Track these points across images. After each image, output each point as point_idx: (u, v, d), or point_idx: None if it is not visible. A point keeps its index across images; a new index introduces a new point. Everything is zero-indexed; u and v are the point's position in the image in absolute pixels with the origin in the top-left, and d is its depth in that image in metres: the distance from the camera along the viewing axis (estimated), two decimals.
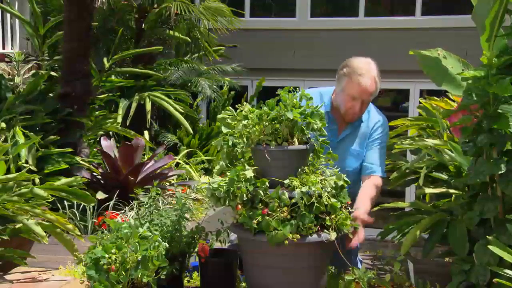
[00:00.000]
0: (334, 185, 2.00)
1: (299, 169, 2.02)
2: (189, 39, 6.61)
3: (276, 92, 2.12)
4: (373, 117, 2.76)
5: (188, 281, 2.34)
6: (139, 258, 1.88)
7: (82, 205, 3.77)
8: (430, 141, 2.61)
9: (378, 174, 2.66)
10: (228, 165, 2.13)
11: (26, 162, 3.88)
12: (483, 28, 1.88)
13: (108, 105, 5.85)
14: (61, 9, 6.05)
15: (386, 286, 2.26)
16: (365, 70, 2.61)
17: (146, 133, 5.56)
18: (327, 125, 2.14)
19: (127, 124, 5.44)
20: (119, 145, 4.63)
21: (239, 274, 2.28)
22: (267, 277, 2.01)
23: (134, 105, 5.68)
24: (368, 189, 2.59)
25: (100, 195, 3.88)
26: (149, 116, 5.66)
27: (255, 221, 1.91)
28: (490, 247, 1.76)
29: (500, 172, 1.88)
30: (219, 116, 2.16)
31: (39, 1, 6.43)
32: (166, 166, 4.55)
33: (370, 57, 2.71)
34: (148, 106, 5.69)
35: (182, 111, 5.84)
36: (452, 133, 2.62)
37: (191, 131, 5.91)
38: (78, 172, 4.22)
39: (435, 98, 3.15)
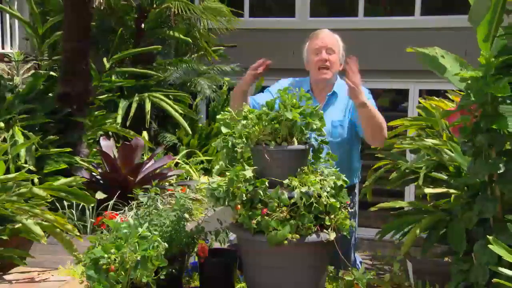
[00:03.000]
0: (333, 185, 2.00)
1: (299, 169, 2.02)
2: (190, 40, 6.61)
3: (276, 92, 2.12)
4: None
5: (188, 281, 2.34)
6: (139, 258, 1.88)
7: (81, 205, 3.77)
8: (430, 141, 2.61)
9: None
10: (228, 165, 2.13)
11: (25, 162, 3.88)
12: (480, 28, 1.88)
13: (107, 105, 5.84)
14: (60, 9, 6.05)
15: (386, 286, 2.26)
16: (321, 30, 2.89)
17: (145, 133, 5.56)
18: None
19: (127, 125, 5.43)
20: (118, 145, 4.63)
21: (238, 274, 2.28)
22: (266, 277, 2.01)
23: (134, 105, 5.67)
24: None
25: (99, 195, 3.87)
26: (148, 117, 5.65)
27: (254, 221, 1.91)
28: (490, 246, 1.76)
29: (499, 172, 1.88)
30: (218, 116, 2.16)
31: (38, 1, 6.42)
32: (165, 166, 4.55)
33: (368, 57, 2.80)
34: (148, 107, 5.68)
35: (182, 112, 5.84)
36: (451, 133, 2.62)
37: (190, 132, 5.91)
38: (78, 172, 4.22)
39: (435, 98, 3.16)
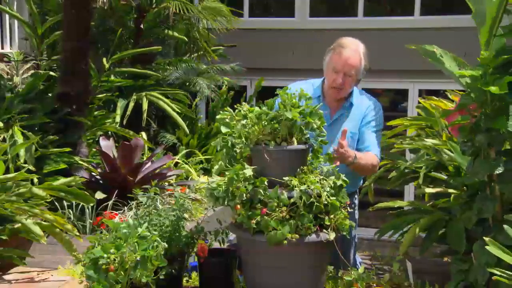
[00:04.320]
0: (333, 185, 2.00)
1: (298, 169, 2.02)
2: (185, 39, 6.61)
3: (276, 92, 2.12)
4: (365, 101, 2.85)
5: (187, 281, 2.33)
6: (138, 258, 1.88)
7: (80, 205, 3.77)
8: (430, 141, 2.61)
9: (375, 153, 2.72)
10: (227, 165, 2.13)
11: (25, 162, 3.88)
12: (482, 28, 1.88)
13: (106, 105, 5.85)
14: (59, 9, 6.05)
15: (385, 286, 2.26)
16: (349, 44, 2.72)
17: (142, 133, 5.56)
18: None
19: (124, 124, 5.43)
20: (118, 145, 4.63)
21: (238, 274, 2.28)
22: (266, 277, 2.01)
23: (131, 104, 5.67)
24: (367, 154, 2.66)
25: (99, 195, 3.88)
26: (145, 116, 5.65)
27: (254, 221, 1.91)
28: (487, 247, 1.75)
29: (498, 172, 1.88)
30: (218, 116, 2.15)
31: (37, 1, 6.43)
32: (165, 166, 4.55)
33: (368, 57, 2.74)
34: (145, 106, 5.68)
35: (179, 111, 5.84)
36: (450, 133, 2.63)
37: (188, 131, 5.91)
38: (77, 172, 4.22)
39: (434, 98, 3.16)
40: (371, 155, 2.68)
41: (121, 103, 5.72)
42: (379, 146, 2.78)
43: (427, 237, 2.29)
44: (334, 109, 2.81)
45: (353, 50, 2.71)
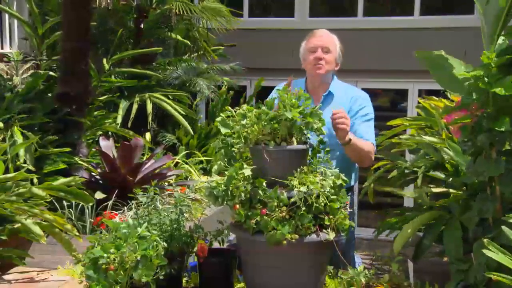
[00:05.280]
0: (333, 185, 2.00)
1: (298, 169, 2.02)
2: (188, 43, 6.63)
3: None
4: (349, 92, 2.91)
5: (187, 281, 2.33)
6: (138, 258, 1.88)
7: (80, 205, 3.77)
8: (428, 138, 2.61)
9: (369, 141, 2.76)
10: (227, 165, 2.13)
11: (25, 162, 3.88)
12: (488, 28, 1.88)
13: (107, 106, 5.85)
14: (59, 10, 6.05)
15: (385, 286, 2.26)
16: (320, 29, 2.93)
17: (147, 134, 5.56)
18: None
19: (129, 125, 5.43)
20: (118, 145, 4.62)
21: (238, 274, 2.28)
22: (266, 277, 2.01)
23: (135, 106, 5.67)
24: (361, 139, 2.71)
25: (99, 195, 3.87)
26: (150, 118, 5.65)
27: (253, 221, 1.91)
28: (485, 251, 1.74)
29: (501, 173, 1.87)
30: (217, 119, 2.15)
31: (37, 1, 6.43)
32: (164, 166, 4.55)
33: (368, 57, 2.78)
34: (149, 108, 5.68)
35: (183, 112, 5.84)
36: (450, 133, 2.62)
37: (191, 132, 5.91)
38: (77, 172, 4.22)
39: (434, 98, 3.15)
40: (365, 141, 2.72)
41: (123, 104, 5.71)
42: (373, 134, 2.82)
43: (424, 238, 2.27)
44: (318, 102, 2.85)
45: (326, 32, 2.90)
